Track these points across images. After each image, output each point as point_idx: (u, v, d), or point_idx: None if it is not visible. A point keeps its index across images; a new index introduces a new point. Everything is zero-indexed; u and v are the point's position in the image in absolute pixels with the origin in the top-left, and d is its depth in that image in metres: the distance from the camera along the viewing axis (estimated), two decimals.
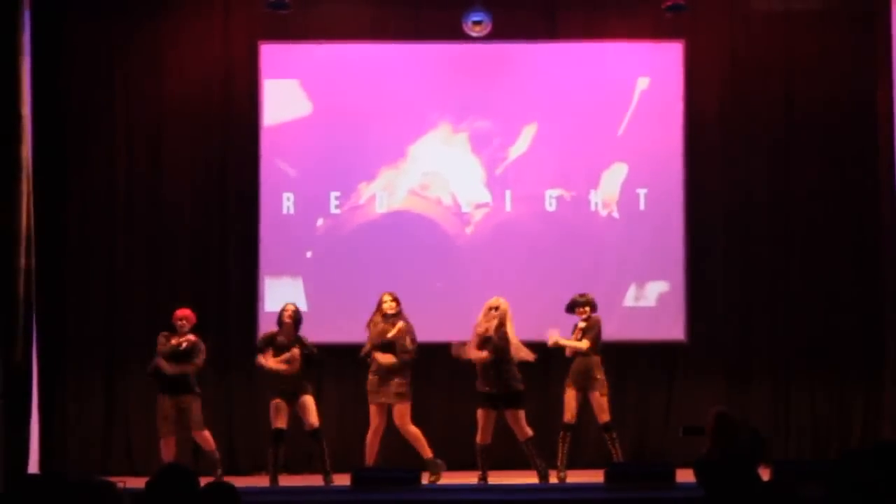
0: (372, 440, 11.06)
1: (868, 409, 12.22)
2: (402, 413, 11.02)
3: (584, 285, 11.60)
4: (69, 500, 2.79)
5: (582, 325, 11.24)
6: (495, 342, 10.68)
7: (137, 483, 5.73)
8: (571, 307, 11.30)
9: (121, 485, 5.35)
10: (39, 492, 2.87)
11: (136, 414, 12.10)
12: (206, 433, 11.01)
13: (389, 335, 10.93)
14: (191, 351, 10.95)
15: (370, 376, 11.03)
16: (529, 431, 10.76)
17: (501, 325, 10.72)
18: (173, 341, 10.97)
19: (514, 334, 10.76)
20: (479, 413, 10.84)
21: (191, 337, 10.98)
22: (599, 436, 11.36)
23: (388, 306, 11.04)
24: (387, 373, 10.96)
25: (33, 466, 11.18)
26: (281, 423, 10.87)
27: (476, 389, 10.83)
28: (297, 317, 11.00)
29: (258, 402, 11.58)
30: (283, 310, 11.05)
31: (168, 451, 10.91)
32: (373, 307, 11.16)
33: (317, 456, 11.02)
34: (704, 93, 12.49)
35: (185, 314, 11.10)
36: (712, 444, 7.29)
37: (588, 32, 12.54)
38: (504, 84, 12.53)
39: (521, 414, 10.78)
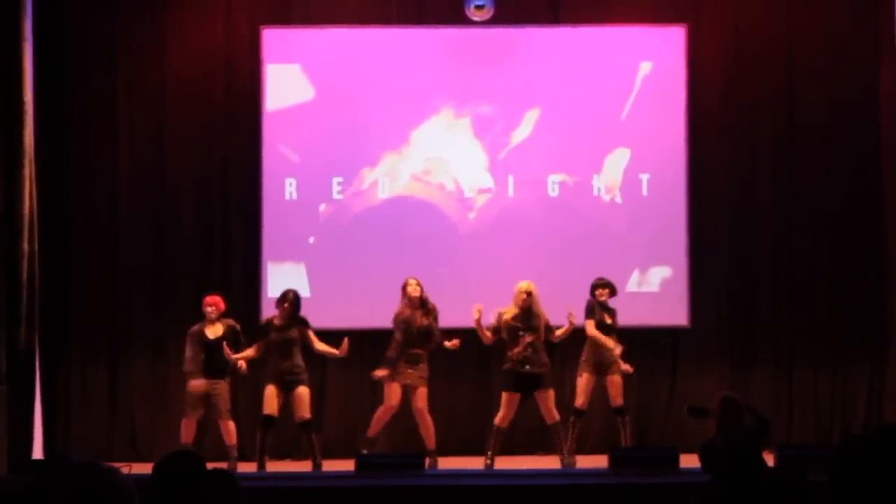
0: (383, 416, 11.01)
1: (872, 393, 12.23)
2: (425, 396, 11.00)
3: (586, 270, 11.60)
4: (73, 484, 2.79)
5: (609, 317, 11.23)
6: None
7: (142, 468, 5.75)
8: (592, 289, 11.30)
9: (125, 469, 5.35)
10: (43, 475, 2.86)
11: (140, 399, 12.11)
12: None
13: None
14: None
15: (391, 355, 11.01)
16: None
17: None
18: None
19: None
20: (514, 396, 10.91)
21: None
22: (604, 421, 11.38)
23: (413, 289, 11.04)
24: (415, 357, 10.96)
25: (37, 452, 11.20)
26: (272, 409, 10.88)
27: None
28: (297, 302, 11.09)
29: (262, 387, 11.57)
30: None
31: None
32: (376, 292, 11.16)
33: (306, 448, 11.02)
34: (707, 77, 12.48)
35: (214, 300, 11.17)
36: (718, 429, 7.28)
37: (590, 17, 12.52)
38: (506, 69, 12.52)
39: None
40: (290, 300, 10.98)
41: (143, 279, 12.23)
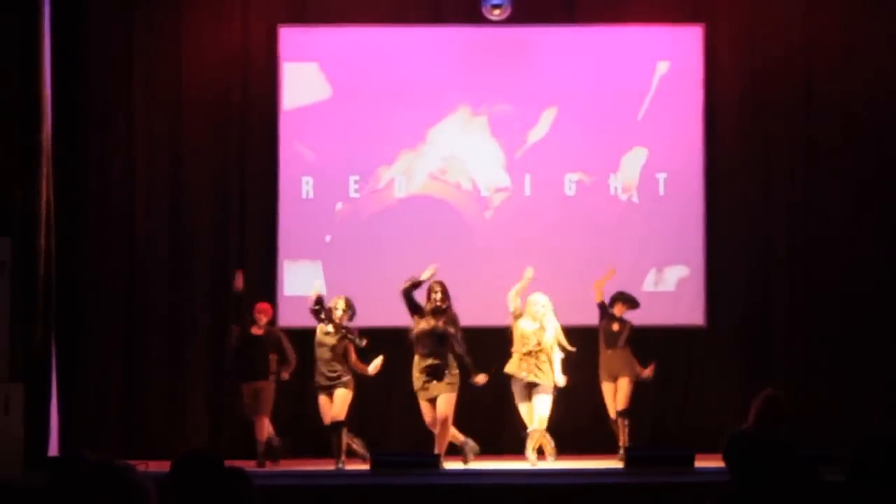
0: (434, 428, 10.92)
1: (888, 393, 12.17)
2: (450, 403, 10.75)
3: (603, 270, 11.58)
4: (89, 482, 2.79)
5: (616, 326, 11.34)
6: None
7: (159, 466, 5.75)
8: (612, 302, 11.39)
9: (142, 468, 5.36)
10: (59, 474, 2.87)
11: (156, 396, 12.12)
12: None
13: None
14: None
15: (416, 373, 10.82)
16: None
17: None
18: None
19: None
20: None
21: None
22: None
23: (436, 297, 10.84)
24: (435, 369, 10.77)
25: (53, 449, 11.23)
26: (327, 417, 10.90)
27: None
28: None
29: (279, 387, 11.56)
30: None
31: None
32: (392, 290, 11.10)
33: (334, 448, 10.89)
34: (724, 77, 12.45)
35: (263, 307, 11.31)
36: (754, 423, 7.18)
37: (607, 16, 12.50)
38: (523, 68, 12.50)
39: None
40: (343, 307, 10.99)
41: (160, 277, 12.23)
